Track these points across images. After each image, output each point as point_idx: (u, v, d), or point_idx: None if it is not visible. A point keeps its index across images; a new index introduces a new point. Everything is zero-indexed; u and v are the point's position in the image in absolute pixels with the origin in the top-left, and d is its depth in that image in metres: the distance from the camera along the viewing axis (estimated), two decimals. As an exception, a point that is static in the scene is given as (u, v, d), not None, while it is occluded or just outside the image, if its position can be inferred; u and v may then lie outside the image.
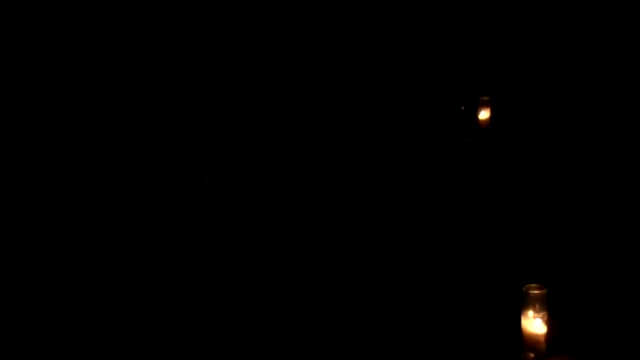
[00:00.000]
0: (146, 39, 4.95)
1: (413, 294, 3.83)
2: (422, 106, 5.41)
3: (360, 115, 5.26)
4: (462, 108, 5.29)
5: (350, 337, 3.55)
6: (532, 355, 3.07)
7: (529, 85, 5.47)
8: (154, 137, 4.84)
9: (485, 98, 5.18)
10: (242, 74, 5.16)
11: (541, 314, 3.05)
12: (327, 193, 4.77)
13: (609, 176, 4.55)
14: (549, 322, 3.06)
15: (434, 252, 4.19)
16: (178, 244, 4.28)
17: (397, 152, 5.11)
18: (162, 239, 4.31)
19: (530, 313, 3.06)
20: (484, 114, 5.17)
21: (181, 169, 4.73)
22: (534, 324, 3.06)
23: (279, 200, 4.70)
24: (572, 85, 5.13)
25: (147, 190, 4.63)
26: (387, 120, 5.29)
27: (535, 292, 3.07)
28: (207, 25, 5.14)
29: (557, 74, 5.21)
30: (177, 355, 3.46)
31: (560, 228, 4.20)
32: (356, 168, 4.97)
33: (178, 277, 4.02)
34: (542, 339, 3.06)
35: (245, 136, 5.02)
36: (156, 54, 4.98)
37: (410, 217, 4.54)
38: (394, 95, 5.39)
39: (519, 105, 5.39)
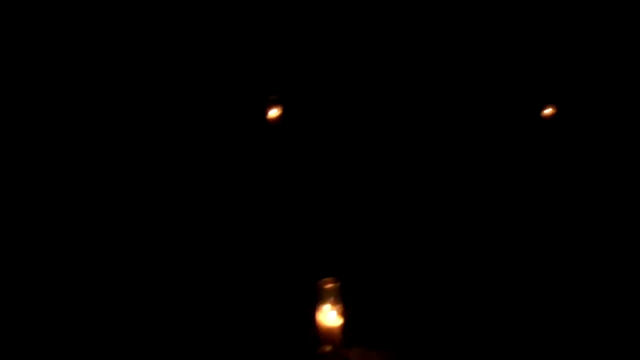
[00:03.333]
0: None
1: (212, 291, 3.83)
2: (215, 104, 5.40)
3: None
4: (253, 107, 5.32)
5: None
6: (328, 347, 3.14)
7: (318, 83, 5.59)
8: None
9: (274, 97, 5.24)
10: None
11: (336, 307, 3.14)
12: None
13: (394, 176, 4.77)
14: (344, 315, 3.15)
15: (229, 249, 4.20)
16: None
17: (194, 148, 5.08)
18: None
19: (326, 306, 3.14)
20: (274, 112, 5.23)
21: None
22: (329, 316, 3.14)
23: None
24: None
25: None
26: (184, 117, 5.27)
27: (330, 286, 3.15)
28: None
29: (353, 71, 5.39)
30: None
31: (352, 225, 4.34)
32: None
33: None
34: (338, 331, 3.14)
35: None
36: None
37: (209, 214, 4.52)
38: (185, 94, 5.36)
39: (309, 103, 5.50)
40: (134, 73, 5.07)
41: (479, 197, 4.60)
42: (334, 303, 3.14)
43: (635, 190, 4.55)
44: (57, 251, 4.10)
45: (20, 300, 3.71)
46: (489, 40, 5.33)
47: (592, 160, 4.87)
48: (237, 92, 5.38)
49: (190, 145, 4.94)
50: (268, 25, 5.49)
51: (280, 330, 3.47)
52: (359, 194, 4.63)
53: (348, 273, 3.36)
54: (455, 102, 5.32)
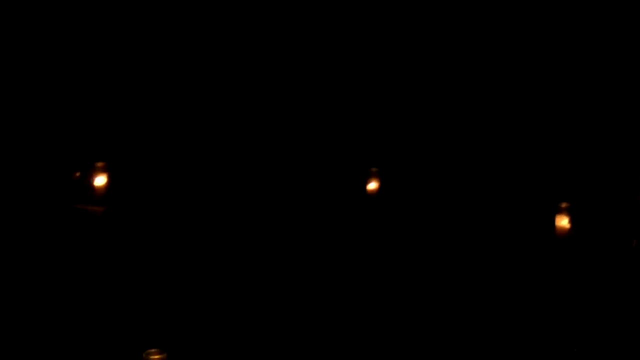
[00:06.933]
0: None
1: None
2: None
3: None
4: (78, 174, 5.25)
5: None
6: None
7: (150, 151, 5.59)
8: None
9: (101, 164, 5.18)
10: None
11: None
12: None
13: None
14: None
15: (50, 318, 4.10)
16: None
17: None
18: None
19: (152, 378, 3.12)
20: (100, 180, 5.16)
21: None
22: (155, 389, 3.12)
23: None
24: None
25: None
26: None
27: (156, 357, 3.13)
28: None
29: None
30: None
31: (179, 295, 4.34)
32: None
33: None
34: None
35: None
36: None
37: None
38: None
39: (139, 170, 5.48)
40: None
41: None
42: (160, 375, 3.12)
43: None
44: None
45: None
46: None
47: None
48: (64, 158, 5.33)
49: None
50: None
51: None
52: (187, 263, 4.64)
53: (175, 344, 3.36)
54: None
